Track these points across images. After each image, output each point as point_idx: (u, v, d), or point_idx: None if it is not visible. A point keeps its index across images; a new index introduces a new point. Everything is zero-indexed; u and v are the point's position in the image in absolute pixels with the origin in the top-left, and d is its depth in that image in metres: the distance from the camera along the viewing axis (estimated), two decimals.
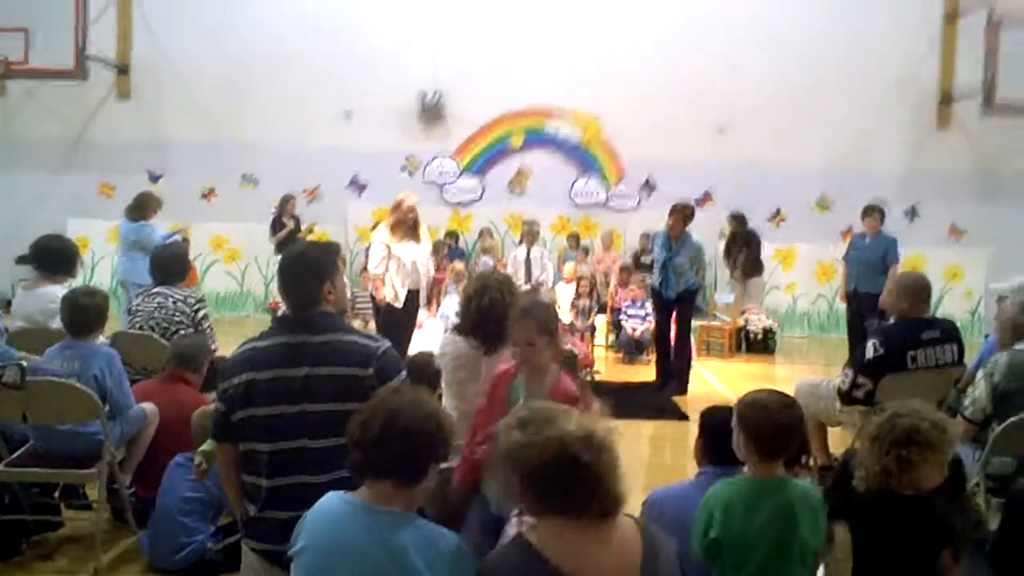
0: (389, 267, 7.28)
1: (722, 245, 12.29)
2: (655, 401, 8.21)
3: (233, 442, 2.87)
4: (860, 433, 4.53)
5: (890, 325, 5.22)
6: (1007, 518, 3.88)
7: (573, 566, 1.94)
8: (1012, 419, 4.14)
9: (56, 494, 4.81)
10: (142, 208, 8.43)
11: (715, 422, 3.37)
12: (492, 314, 3.62)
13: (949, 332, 5.06)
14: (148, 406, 4.64)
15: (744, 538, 2.70)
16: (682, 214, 8.63)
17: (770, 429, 2.78)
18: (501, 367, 3.43)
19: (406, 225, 7.34)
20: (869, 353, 4.92)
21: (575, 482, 1.97)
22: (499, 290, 3.70)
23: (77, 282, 7.05)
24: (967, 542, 3.55)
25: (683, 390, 8.59)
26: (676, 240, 8.57)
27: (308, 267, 3.01)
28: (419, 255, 7.47)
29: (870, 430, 2.92)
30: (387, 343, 3.00)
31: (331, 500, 2.26)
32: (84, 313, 4.53)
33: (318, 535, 2.18)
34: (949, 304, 12.51)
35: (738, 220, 11.68)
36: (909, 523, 2.79)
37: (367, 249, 7.94)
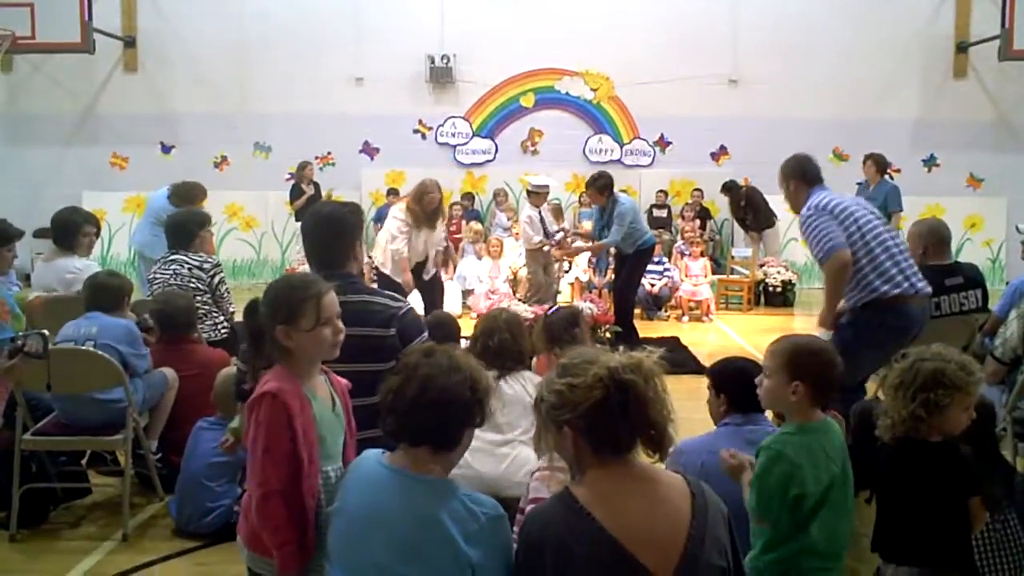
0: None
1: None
2: (674, 356, 8.18)
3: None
4: (882, 383, 4.50)
5: None
6: None
7: (620, 523, 1.90)
8: None
9: (83, 461, 4.86)
10: (190, 200, 7.83)
11: (732, 372, 3.36)
12: (501, 353, 3.76)
13: (973, 277, 5.00)
14: (167, 370, 4.67)
15: (824, 486, 2.66)
16: (595, 187, 8.42)
17: (831, 373, 2.75)
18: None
19: (426, 215, 7.25)
20: None
21: (627, 412, 1.94)
22: (508, 331, 3.81)
23: (95, 254, 7.08)
24: (997, 490, 3.53)
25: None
26: (605, 212, 8.40)
27: (337, 227, 3.09)
28: (432, 241, 7.39)
29: (893, 378, 2.87)
30: (408, 304, 3.01)
31: (370, 463, 2.22)
32: (106, 292, 4.61)
33: (355, 499, 2.16)
34: (969, 253, 12.36)
35: (730, 189, 11.54)
36: (937, 471, 2.75)
37: (380, 220, 7.82)
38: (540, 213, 9.17)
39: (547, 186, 9.46)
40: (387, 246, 7.19)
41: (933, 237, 5.01)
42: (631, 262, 8.48)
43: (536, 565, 1.92)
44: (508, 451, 3.74)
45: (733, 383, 3.34)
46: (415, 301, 9.03)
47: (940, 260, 4.99)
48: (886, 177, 9.35)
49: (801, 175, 4.84)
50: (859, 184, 9.56)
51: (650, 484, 1.98)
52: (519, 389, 3.76)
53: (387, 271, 7.15)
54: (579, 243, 9.55)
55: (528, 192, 9.60)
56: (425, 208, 7.21)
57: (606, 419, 1.95)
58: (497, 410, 2.88)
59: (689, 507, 1.96)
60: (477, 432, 2.31)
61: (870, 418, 3.02)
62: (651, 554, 1.88)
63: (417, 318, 3.01)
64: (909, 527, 2.78)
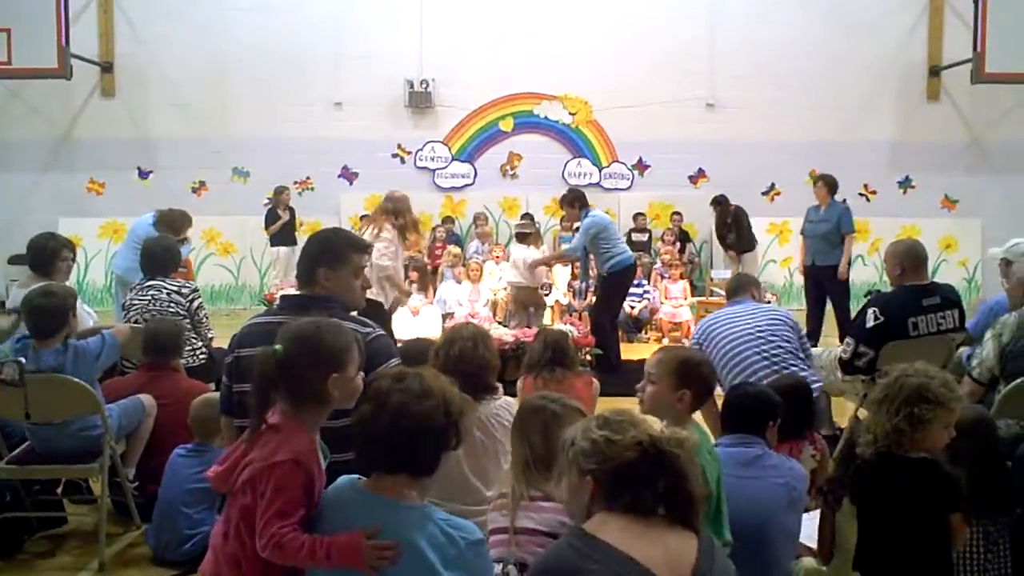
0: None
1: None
2: None
3: (239, 416, 2.85)
4: (863, 399, 4.53)
5: (889, 293, 5.21)
6: (1016, 482, 3.86)
7: (631, 546, 1.89)
8: (1018, 380, 4.11)
9: (59, 490, 4.78)
10: (176, 228, 7.77)
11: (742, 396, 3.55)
12: (462, 361, 3.41)
13: (949, 297, 5.04)
14: (145, 397, 4.60)
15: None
16: (565, 202, 8.49)
17: (712, 384, 3.18)
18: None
19: (409, 228, 7.14)
20: (869, 322, 4.90)
21: (659, 480, 1.93)
22: (470, 339, 3.52)
23: (72, 280, 7.01)
24: (993, 505, 3.54)
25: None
26: (574, 231, 8.44)
27: (308, 248, 3.08)
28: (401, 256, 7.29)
29: (876, 393, 2.90)
30: (379, 330, 2.97)
31: (344, 489, 2.21)
32: (42, 316, 4.29)
33: (332, 528, 2.13)
34: (945, 273, 12.48)
35: (719, 203, 11.62)
36: (917, 485, 2.76)
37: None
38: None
39: (532, 224, 9.46)
40: (390, 266, 7.01)
41: (910, 257, 5.05)
42: (605, 283, 8.44)
43: None
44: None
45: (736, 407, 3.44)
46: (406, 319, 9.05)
47: (917, 280, 5.03)
48: (837, 199, 9.33)
49: None
50: (809, 208, 9.58)
51: (654, 528, 1.96)
52: (494, 424, 3.39)
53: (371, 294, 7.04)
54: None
55: (518, 235, 9.60)
56: (408, 221, 7.09)
57: (633, 481, 1.94)
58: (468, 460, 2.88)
59: (696, 545, 1.96)
60: (449, 504, 2.29)
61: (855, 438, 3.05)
62: (662, 569, 1.87)
63: (388, 344, 2.99)
64: (890, 543, 2.78)
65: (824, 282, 9.08)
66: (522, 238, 10.11)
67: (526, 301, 8.73)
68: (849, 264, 9.10)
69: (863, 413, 3.41)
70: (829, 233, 9.05)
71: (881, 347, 4.82)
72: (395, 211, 7.09)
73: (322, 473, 2.25)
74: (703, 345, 4.91)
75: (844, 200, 9.68)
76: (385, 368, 2.70)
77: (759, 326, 4.94)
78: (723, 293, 11.29)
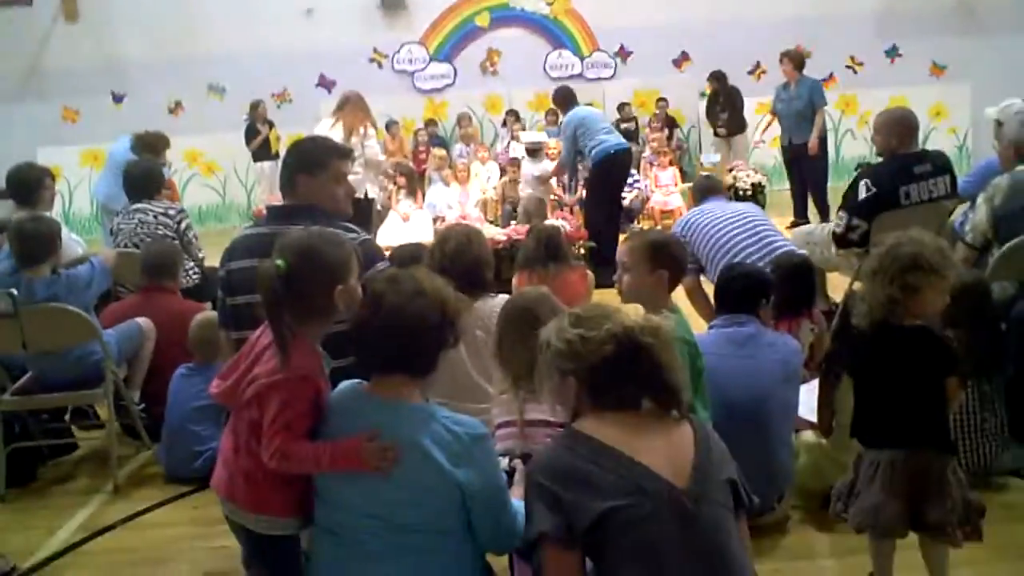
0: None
1: (703, 105, 12.12)
2: None
3: (230, 329, 2.87)
4: (858, 272, 4.55)
5: (880, 163, 5.16)
6: (1009, 342, 3.91)
7: (627, 445, 1.90)
8: (1012, 242, 4.11)
9: (66, 418, 4.83)
10: (154, 150, 7.44)
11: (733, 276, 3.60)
12: (456, 259, 3.34)
13: (940, 164, 5.00)
14: (142, 320, 4.61)
15: None
16: (554, 104, 8.79)
17: (685, 261, 3.37)
18: None
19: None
20: (861, 193, 4.87)
21: (639, 372, 1.93)
22: (464, 236, 3.47)
23: (56, 210, 6.93)
24: (987, 365, 3.60)
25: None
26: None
27: (287, 157, 3.05)
28: None
29: (870, 264, 2.89)
30: (365, 234, 2.97)
31: (346, 394, 2.21)
32: (31, 242, 4.24)
33: (336, 432, 2.14)
34: (935, 142, 12.35)
35: (718, 78, 11.44)
36: (913, 352, 2.79)
37: None
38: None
39: (541, 142, 9.48)
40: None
41: (901, 126, 4.99)
42: (589, 176, 8.37)
43: (549, 494, 1.89)
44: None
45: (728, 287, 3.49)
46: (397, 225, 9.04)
47: (907, 149, 4.98)
48: (805, 73, 9.17)
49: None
50: (778, 86, 9.42)
51: (650, 421, 1.97)
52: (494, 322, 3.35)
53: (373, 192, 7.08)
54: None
55: (528, 151, 9.68)
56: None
57: (613, 376, 1.94)
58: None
59: (692, 435, 1.97)
60: (455, 403, 2.29)
61: (849, 310, 3.06)
62: (665, 469, 1.89)
63: (376, 247, 3.00)
64: (886, 411, 2.82)
65: (801, 159, 9.03)
66: (533, 153, 10.09)
67: (534, 212, 8.73)
68: (822, 139, 9.03)
69: (858, 286, 3.42)
70: (803, 109, 8.98)
71: (873, 219, 4.81)
72: (364, 108, 7.01)
73: (327, 383, 2.25)
74: (687, 236, 4.90)
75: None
76: (374, 271, 2.68)
77: (739, 211, 5.02)
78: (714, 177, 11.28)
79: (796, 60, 9.11)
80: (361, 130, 7.04)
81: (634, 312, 2.03)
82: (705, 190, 5.48)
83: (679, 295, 3.38)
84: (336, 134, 6.71)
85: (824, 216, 8.58)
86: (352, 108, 7.08)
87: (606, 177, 8.28)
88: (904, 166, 4.90)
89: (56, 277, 4.22)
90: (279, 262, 2.18)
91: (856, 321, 2.90)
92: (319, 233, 2.33)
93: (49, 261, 4.28)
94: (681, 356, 2.81)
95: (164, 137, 7.81)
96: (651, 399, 1.97)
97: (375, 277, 2.40)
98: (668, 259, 3.10)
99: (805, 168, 9.07)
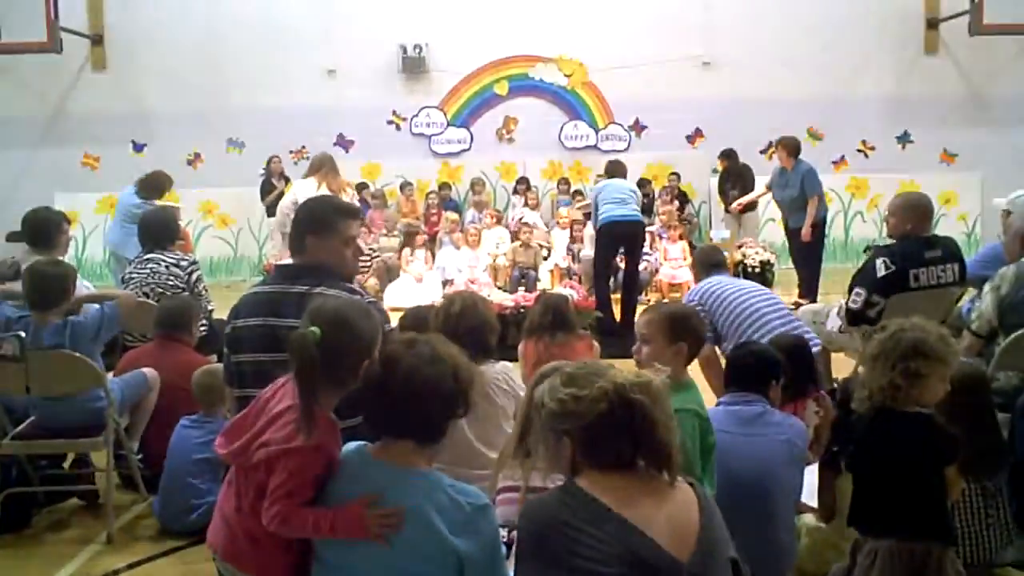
0: None
1: (715, 181, 12.24)
2: None
3: (233, 387, 2.89)
4: (861, 355, 4.54)
5: (894, 244, 5.16)
6: (1014, 432, 3.88)
7: (625, 507, 1.87)
8: (1017, 332, 4.11)
9: (66, 465, 4.80)
10: (157, 189, 7.92)
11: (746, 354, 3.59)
12: (462, 319, 3.39)
13: (950, 251, 5.02)
14: (148, 371, 4.61)
15: None
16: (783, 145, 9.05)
17: (703, 334, 3.43)
18: None
19: None
20: (881, 271, 4.86)
21: (630, 431, 1.90)
22: (470, 299, 3.56)
23: (70, 255, 6.99)
24: (988, 461, 3.56)
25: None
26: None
27: (297, 217, 3.07)
28: None
29: (872, 348, 2.90)
30: (371, 297, 2.98)
31: (352, 457, 2.21)
32: (46, 283, 4.29)
33: (340, 495, 2.14)
34: (944, 228, 12.43)
35: (729, 156, 11.59)
36: (913, 439, 2.78)
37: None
38: None
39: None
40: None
41: (917, 211, 5.02)
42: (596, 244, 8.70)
43: (540, 552, 1.86)
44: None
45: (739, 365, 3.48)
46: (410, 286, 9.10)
47: (921, 233, 5.00)
48: (801, 159, 9.24)
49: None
50: (775, 171, 9.51)
51: (651, 485, 1.94)
52: (495, 389, 3.37)
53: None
54: None
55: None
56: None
57: (608, 435, 1.92)
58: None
59: (696, 501, 1.95)
60: (455, 469, 2.28)
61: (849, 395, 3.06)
62: (667, 539, 1.85)
63: (383, 310, 3.02)
64: (885, 499, 2.80)
65: (798, 244, 9.12)
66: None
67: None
68: (817, 226, 9.06)
69: (861, 369, 3.42)
70: (797, 197, 9.08)
71: (889, 298, 4.80)
72: (338, 170, 7.21)
73: (340, 446, 2.24)
74: (705, 304, 4.91)
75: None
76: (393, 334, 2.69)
77: (754, 285, 5.02)
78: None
79: (790, 147, 9.18)
80: (349, 192, 7.27)
81: (625, 369, 2.01)
82: (713, 264, 5.48)
83: (692, 368, 3.38)
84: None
85: (812, 299, 8.63)
86: (331, 169, 7.28)
87: (601, 244, 8.67)
88: (916, 249, 4.93)
89: (64, 324, 4.24)
90: (314, 329, 2.16)
91: (855, 406, 2.90)
92: (350, 303, 2.33)
93: (61, 307, 4.31)
94: (692, 430, 2.83)
95: (166, 176, 7.97)
96: (644, 458, 1.94)
97: (392, 339, 2.39)
98: (688, 332, 3.14)
99: (797, 250, 9.15)
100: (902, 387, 2.75)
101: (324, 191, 6.99)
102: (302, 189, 7.12)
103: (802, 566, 3.49)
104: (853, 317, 4.93)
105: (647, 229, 11.27)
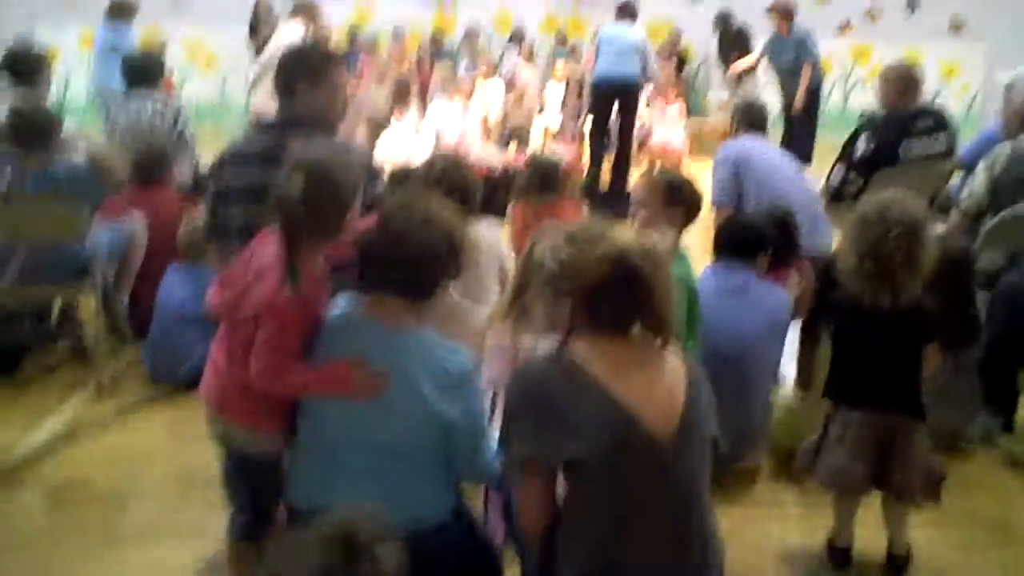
0: None
1: (715, 42, 11.93)
2: None
3: (227, 241, 2.81)
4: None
5: (881, 117, 5.10)
6: (992, 312, 3.95)
7: (614, 380, 1.88)
8: (1005, 211, 4.11)
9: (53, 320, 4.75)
10: (120, 9, 8.07)
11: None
12: (444, 180, 3.28)
13: (940, 121, 4.97)
14: (136, 221, 4.57)
15: None
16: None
17: (701, 201, 3.36)
18: None
19: None
20: (860, 148, 4.84)
21: (631, 295, 1.90)
22: (452, 160, 3.46)
23: (52, 91, 6.82)
24: (963, 334, 3.65)
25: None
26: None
27: (286, 61, 2.93)
28: None
29: (844, 231, 2.94)
30: (358, 147, 2.92)
31: (343, 313, 2.22)
32: (37, 126, 4.24)
33: (330, 349, 2.16)
34: (946, 100, 12.27)
35: (723, 21, 11.24)
36: (895, 318, 2.83)
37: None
38: None
39: None
40: None
41: (903, 81, 4.94)
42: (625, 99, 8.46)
43: (530, 418, 1.89)
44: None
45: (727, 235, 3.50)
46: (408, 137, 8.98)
47: (908, 105, 4.93)
48: (798, 24, 8.92)
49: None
50: (768, 39, 9.23)
51: (645, 354, 1.95)
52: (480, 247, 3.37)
53: None
54: None
55: None
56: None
57: (609, 297, 1.90)
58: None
59: (685, 377, 1.96)
60: (441, 327, 2.29)
61: (833, 269, 3.08)
62: (651, 415, 1.87)
63: (370, 161, 2.98)
64: (863, 372, 2.88)
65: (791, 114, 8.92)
66: None
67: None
68: (812, 93, 8.83)
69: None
70: (792, 63, 8.81)
71: (872, 174, 4.76)
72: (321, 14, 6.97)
73: (328, 300, 2.25)
74: (739, 170, 4.79)
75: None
76: (372, 190, 2.65)
77: (786, 162, 4.98)
78: (722, 114, 11.15)
79: (783, 11, 8.85)
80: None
81: (628, 232, 1.98)
82: (752, 122, 5.13)
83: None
84: None
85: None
86: (317, 12, 6.92)
87: (593, 103, 8.52)
88: (904, 120, 4.87)
89: (46, 173, 4.15)
90: (296, 181, 2.13)
91: (844, 282, 2.92)
92: (332, 154, 2.27)
93: (47, 151, 4.23)
94: (681, 301, 2.86)
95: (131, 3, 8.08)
96: (642, 324, 1.95)
97: (386, 198, 2.38)
98: (683, 198, 3.22)
99: (794, 120, 8.97)
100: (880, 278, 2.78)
101: (310, 36, 6.77)
102: (288, 33, 6.87)
103: (776, 440, 3.61)
104: (832, 194, 4.90)
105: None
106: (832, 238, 4.50)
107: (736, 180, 4.76)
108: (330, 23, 7.29)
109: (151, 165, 4.80)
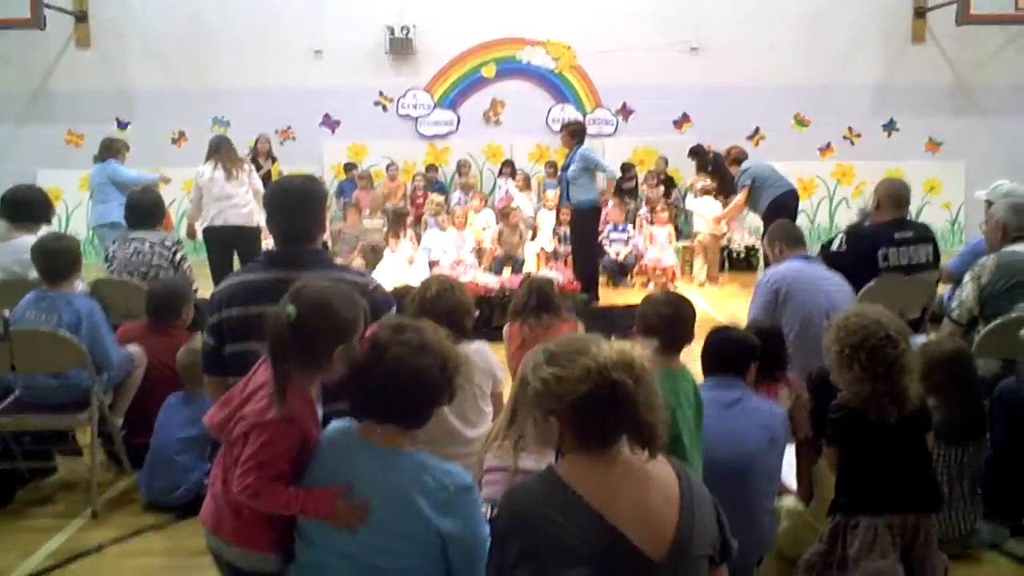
0: None
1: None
2: None
3: (223, 375, 2.82)
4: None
5: (861, 227, 5.20)
6: (992, 418, 3.94)
7: (604, 500, 1.86)
8: (997, 320, 4.16)
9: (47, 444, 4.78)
10: (108, 149, 8.59)
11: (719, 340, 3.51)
12: (438, 305, 3.34)
13: (923, 233, 5.07)
14: (134, 348, 4.60)
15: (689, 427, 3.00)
16: (567, 130, 9.02)
17: (678, 327, 3.14)
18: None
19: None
20: (834, 246, 4.98)
21: (614, 410, 1.88)
22: (447, 283, 3.51)
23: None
24: (968, 429, 3.65)
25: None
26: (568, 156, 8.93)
27: (307, 200, 2.96)
28: None
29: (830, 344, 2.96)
30: (376, 279, 2.97)
31: (338, 435, 2.21)
32: (55, 258, 4.40)
33: (325, 474, 2.15)
34: (928, 216, 12.55)
35: (697, 153, 11.59)
36: (895, 428, 2.84)
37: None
38: None
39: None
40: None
41: (889, 194, 5.08)
42: (579, 219, 8.95)
43: (518, 543, 1.87)
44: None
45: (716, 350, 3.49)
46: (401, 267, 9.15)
47: (891, 217, 5.04)
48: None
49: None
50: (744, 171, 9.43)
51: (636, 469, 1.93)
52: (473, 369, 3.37)
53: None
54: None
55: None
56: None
57: (592, 413, 1.89)
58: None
59: (677, 491, 1.93)
60: (433, 447, 2.29)
61: (828, 379, 3.10)
62: (642, 535, 1.84)
63: (386, 293, 2.97)
64: (876, 476, 2.87)
65: None
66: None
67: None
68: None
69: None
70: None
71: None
72: (235, 150, 7.70)
73: (318, 426, 2.25)
74: (780, 292, 4.51)
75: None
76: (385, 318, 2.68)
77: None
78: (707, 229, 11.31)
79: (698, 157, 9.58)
80: (246, 167, 7.70)
81: (608, 345, 1.95)
82: (797, 238, 4.83)
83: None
84: (219, 176, 7.40)
85: None
86: (228, 151, 7.60)
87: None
88: (885, 230, 4.98)
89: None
90: (290, 309, 2.17)
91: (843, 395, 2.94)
92: (335, 288, 2.30)
93: (72, 277, 4.40)
94: (690, 414, 2.84)
95: (118, 139, 8.80)
96: (628, 437, 1.92)
97: (382, 324, 2.34)
98: (655, 326, 3.12)
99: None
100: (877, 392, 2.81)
101: (220, 172, 7.44)
102: (202, 173, 7.58)
103: (782, 549, 3.53)
104: None
105: (638, 213, 11.34)
106: None
107: (779, 297, 4.48)
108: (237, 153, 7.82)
109: (163, 306, 4.86)
